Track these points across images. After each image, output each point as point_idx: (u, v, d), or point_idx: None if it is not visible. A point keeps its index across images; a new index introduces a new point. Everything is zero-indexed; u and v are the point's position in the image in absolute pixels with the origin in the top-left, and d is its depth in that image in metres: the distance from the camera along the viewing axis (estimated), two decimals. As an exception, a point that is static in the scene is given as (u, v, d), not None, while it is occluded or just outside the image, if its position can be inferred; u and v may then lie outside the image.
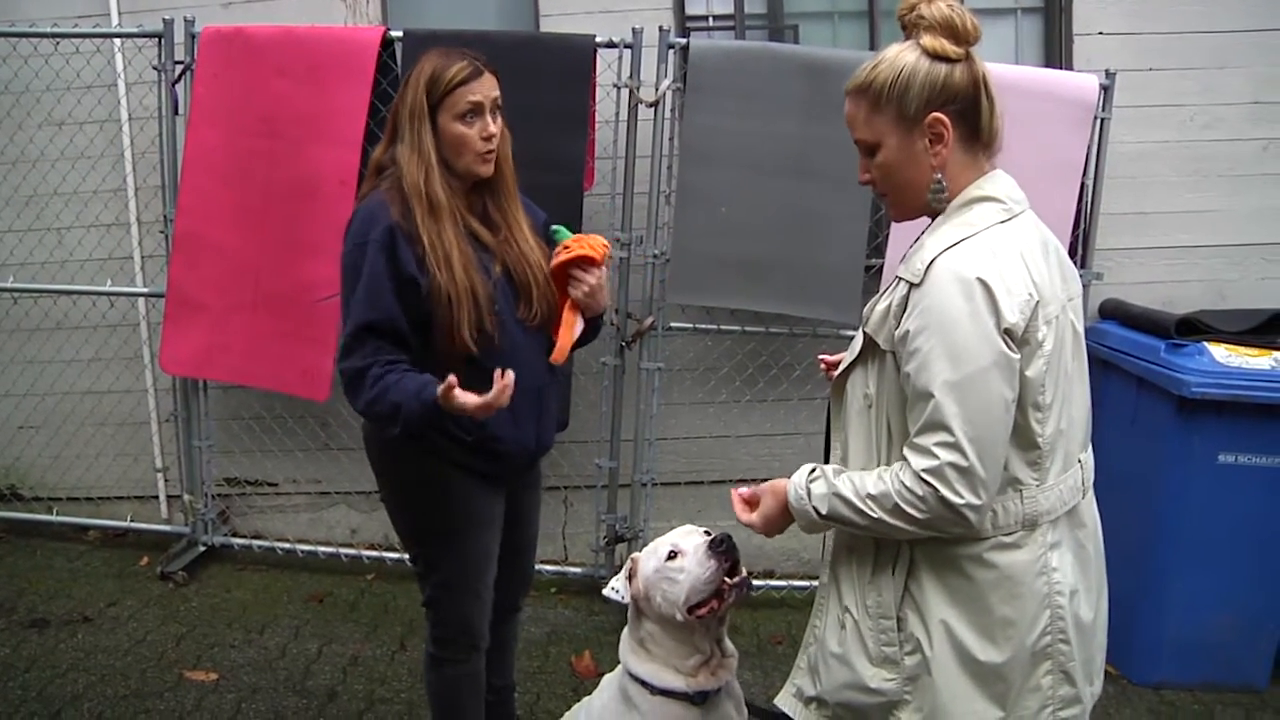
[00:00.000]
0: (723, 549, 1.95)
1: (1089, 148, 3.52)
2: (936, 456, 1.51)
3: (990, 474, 1.51)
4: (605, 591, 2.10)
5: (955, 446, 1.49)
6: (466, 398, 1.98)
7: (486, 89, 2.18)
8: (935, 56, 1.59)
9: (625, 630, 2.16)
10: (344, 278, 2.18)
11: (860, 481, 1.60)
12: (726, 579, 1.96)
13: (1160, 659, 3.31)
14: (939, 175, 1.62)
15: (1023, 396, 1.56)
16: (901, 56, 1.61)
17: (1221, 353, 3.19)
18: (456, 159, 2.19)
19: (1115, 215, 3.76)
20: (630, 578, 2.08)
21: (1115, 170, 3.65)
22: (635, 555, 2.11)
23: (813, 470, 1.68)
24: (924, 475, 1.51)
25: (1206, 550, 3.21)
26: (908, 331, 1.55)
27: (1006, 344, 1.51)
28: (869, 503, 1.57)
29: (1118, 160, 3.67)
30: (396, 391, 2.07)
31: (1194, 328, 3.32)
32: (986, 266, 1.53)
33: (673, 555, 2.00)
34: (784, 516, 1.72)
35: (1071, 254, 3.46)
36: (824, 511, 1.63)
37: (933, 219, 1.67)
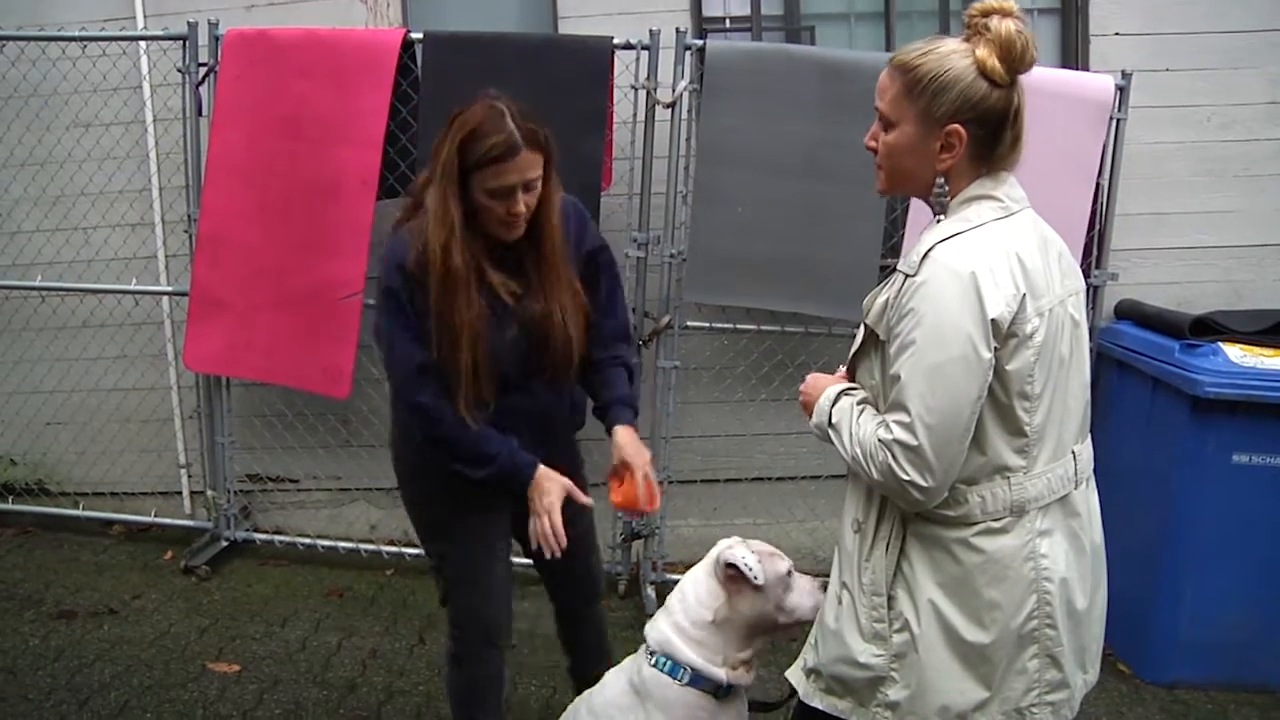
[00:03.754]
0: None
1: (1105, 148, 3.52)
2: (891, 431, 1.58)
3: (942, 461, 1.56)
4: (743, 566, 2.01)
5: (908, 427, 1.56)
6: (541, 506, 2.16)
7: (521, 170, 2.05)
8: (982, 72, 1.61)
9: (663, 621, 2.12)
10: (383, 310, 2.19)
11: (864, 418, 1.68)
12: None
13: (1174, 658, 3.31)
14: (942, 180, 1.66)
15: (1009, 386, 1.60)
16: (951, 58, 1.62)
17: (1236, 353, 3.18)
18: (482, 222, 2.13)
19: (1131, 215, 3.77)
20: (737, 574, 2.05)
21: (1131, 170, 3.65)
22: (758, 548, 2.07)
23: (851, 387, 1.76)
24: (882, 443, 1.60)
25: (1220, 550, 3.21)
26: (899, 316, 1.60)
27: (986, 339, 1.54)
28: (855, 437, 1.66)
29: (1134, 160, 3.67)
30: (501, 447, 2.17)
31: (1209, 328, 3.32)
32: (978, 260, 1.57)
33: (789, 573, 2.09)
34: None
35: (1086, 254, 3.54)
36: (834, 420, 1.72)
37: (929, 206, 1.72)
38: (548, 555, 2.17)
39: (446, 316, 2.09)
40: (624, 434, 2.30)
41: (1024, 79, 1.66)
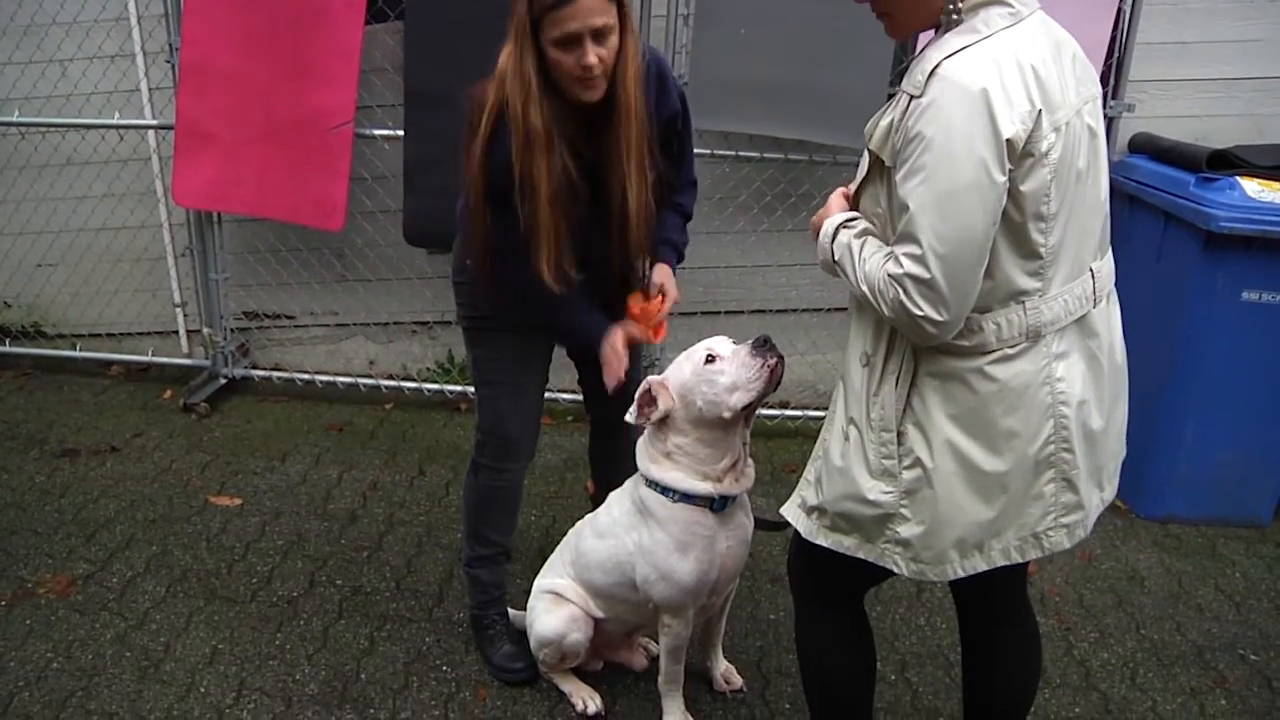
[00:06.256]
0: (766, 347, 2.03)
1: (1128, -30, 3.35)
2: (901, 265, 1.51)
3: (957, 293, 1.49)
4: (631, 419, 2.14)
5: (920, 260, 1.49)
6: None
7: (584, 17, 1.93)
8: None
9: (641, 444, 2.20)
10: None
11: (867, 251, 1.60)
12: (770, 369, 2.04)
13: (1169, 494, 3.36)
14: None
15: (1024, 208, 1.52)
16: None
17: (1254, 187, 3.09)
18: (560, 84, 2.03)
19: (1152, 45, 3.60)
20: (648, 404, 2.12)
21: (1155, -5, 3.48)
22: (652, 379, 2.13)
23: (854, 218, 1.68)
24: (892, 278, 1.52)
25: (1224, 388, 3.21)
26: (905, 141, 1.50)
27: (1000, 161, 1.45)
28: (861, 273, 1.59)
29: (1158, -15, 3.49)
30: (585, 319, 2.27)
31: (1227, 162, 3.21)
32: (989, 76, 1.46)
33: (710, 359, 2.05)
34: None
35: (1102, 84, 3.38)
36: (836, 257, 1.67)
37: (935, 30, 1.60)
38: (610, 388, 2.28)
39: (527, 174, 2.04)
40: (662, 270, 2.38)
41: None
